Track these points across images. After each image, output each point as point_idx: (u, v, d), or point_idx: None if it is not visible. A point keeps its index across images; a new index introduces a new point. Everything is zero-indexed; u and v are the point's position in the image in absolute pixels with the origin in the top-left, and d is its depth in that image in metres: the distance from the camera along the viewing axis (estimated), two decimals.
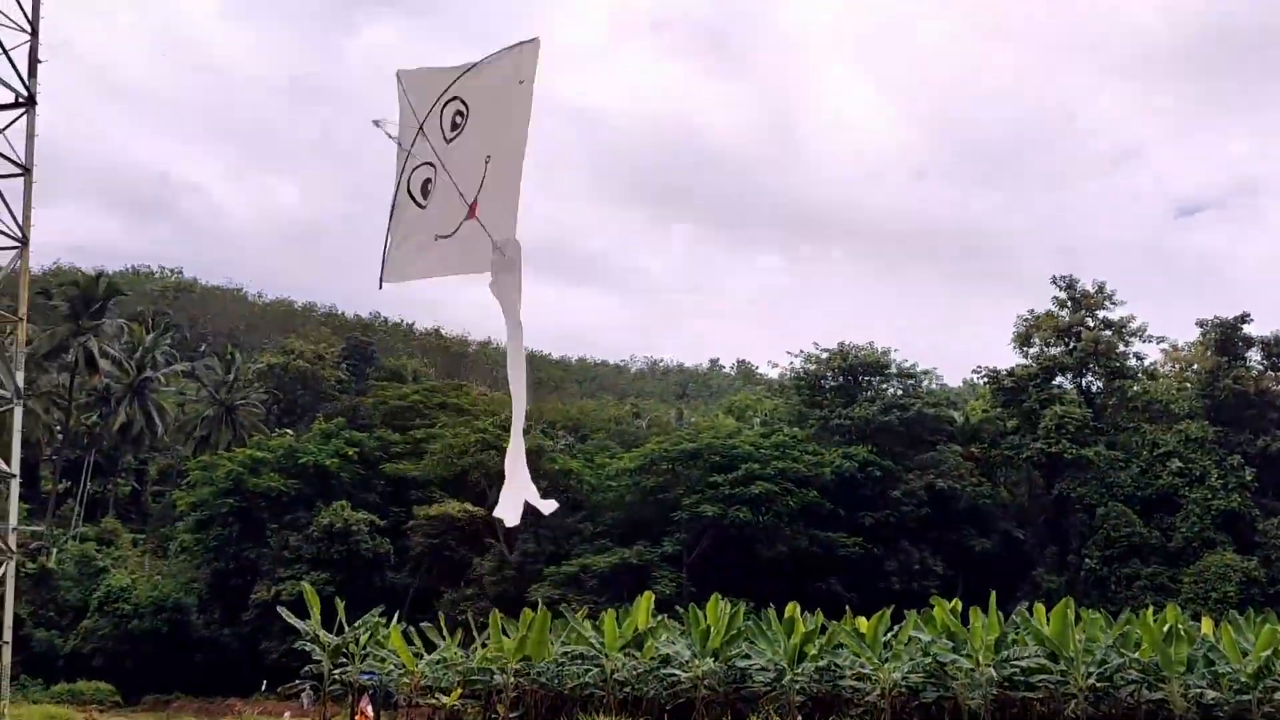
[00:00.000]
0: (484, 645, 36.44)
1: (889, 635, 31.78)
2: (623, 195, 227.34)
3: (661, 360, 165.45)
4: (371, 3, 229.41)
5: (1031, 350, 61.11)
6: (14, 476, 30.11)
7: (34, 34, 30.29)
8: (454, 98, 5.30)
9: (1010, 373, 59.87)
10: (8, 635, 29.08)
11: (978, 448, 60.91)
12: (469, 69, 5.31)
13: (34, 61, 30.55)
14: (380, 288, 5.52)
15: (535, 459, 55.63)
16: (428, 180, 5.31)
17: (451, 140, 5.31)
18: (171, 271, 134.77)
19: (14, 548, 29.45)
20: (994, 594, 32.76)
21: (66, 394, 70.61)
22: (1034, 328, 60.81)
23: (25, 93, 30.20)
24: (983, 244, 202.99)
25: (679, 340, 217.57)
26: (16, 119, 30.00)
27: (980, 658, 28.98)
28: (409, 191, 5.30)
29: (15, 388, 29.68)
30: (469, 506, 55.56)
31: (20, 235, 29.69)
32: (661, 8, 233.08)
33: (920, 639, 30.89)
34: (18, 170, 29.80)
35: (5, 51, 29.30)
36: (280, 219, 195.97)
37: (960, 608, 32.76)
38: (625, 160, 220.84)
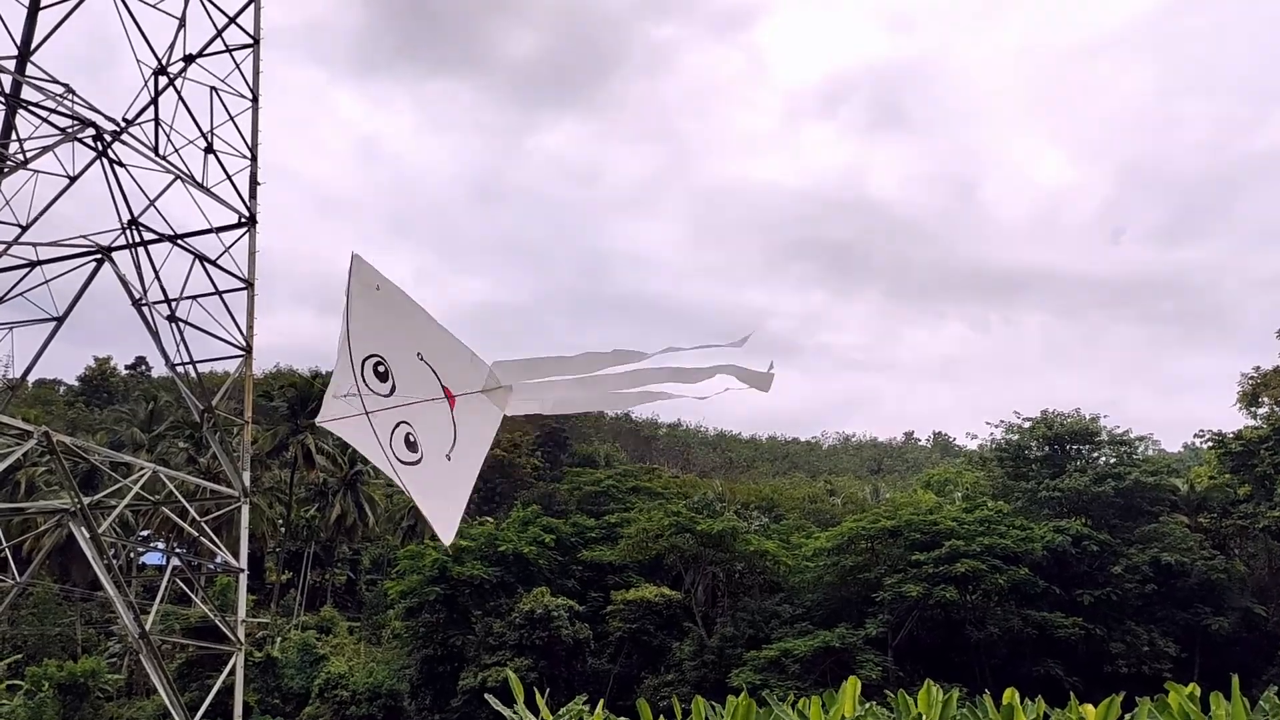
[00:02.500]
0: None
1: None
2: (804, 272, 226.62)
3: (853, 435, 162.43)
4: (554, 105, 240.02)
5: (1260, 410, 56.48)
6: (242, 570, 31.97)
7: (253, 159, 32.98)
8: (365, 358, 5.38)
9: (1238, 435, 55.42)
10: None
11: (1206, 518, 56.51)
12: (348, 335, 5.42)
13: (254, 184, 33.20)
14: (449, 544, 5.59)
15: (730, 540, 55.30)
16: (408, 435, 5.35)
17: (393, 389, 5.35)
18: None
19: (242, 639, 31.13)
20: (1235, 678, 29.96)
21: (287, 489, 75.12)
22: (1261, 385, 56.25)
23: (247, 213, 32.79)
24: (1193, 301, 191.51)
25: (870, 414, 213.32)
26: (240, 238, 32.54)
27: None
28: (401, 461, 5.32)
29: (242, 487, 31.70)
30: (665, 590, 55.44)
31: (245, 344, 31.96)
32: (832, 87, 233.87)
33: None
34: (241, 285, 32.21)
35: (229, 176, 31.95)
36: (470, 314, 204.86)
37: (1199, 693, 30.11)
38: (804, 237, 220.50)
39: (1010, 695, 31.48)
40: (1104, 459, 59.48)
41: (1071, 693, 35.76)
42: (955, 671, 45.94)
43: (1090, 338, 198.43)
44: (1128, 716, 31.94)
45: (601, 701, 42.47)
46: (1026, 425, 61.25)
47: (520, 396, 5.66)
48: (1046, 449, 60.60)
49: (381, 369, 5.46)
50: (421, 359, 5.47)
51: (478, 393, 5.56)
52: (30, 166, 27.83)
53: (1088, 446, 60.24)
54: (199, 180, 30.80)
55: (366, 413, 5.23)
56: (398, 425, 5.31)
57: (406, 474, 5.28)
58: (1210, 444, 58.81)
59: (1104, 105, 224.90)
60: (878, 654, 49.60)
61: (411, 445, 5.29)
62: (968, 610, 50.00)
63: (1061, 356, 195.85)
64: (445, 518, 5.35)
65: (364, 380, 5.35)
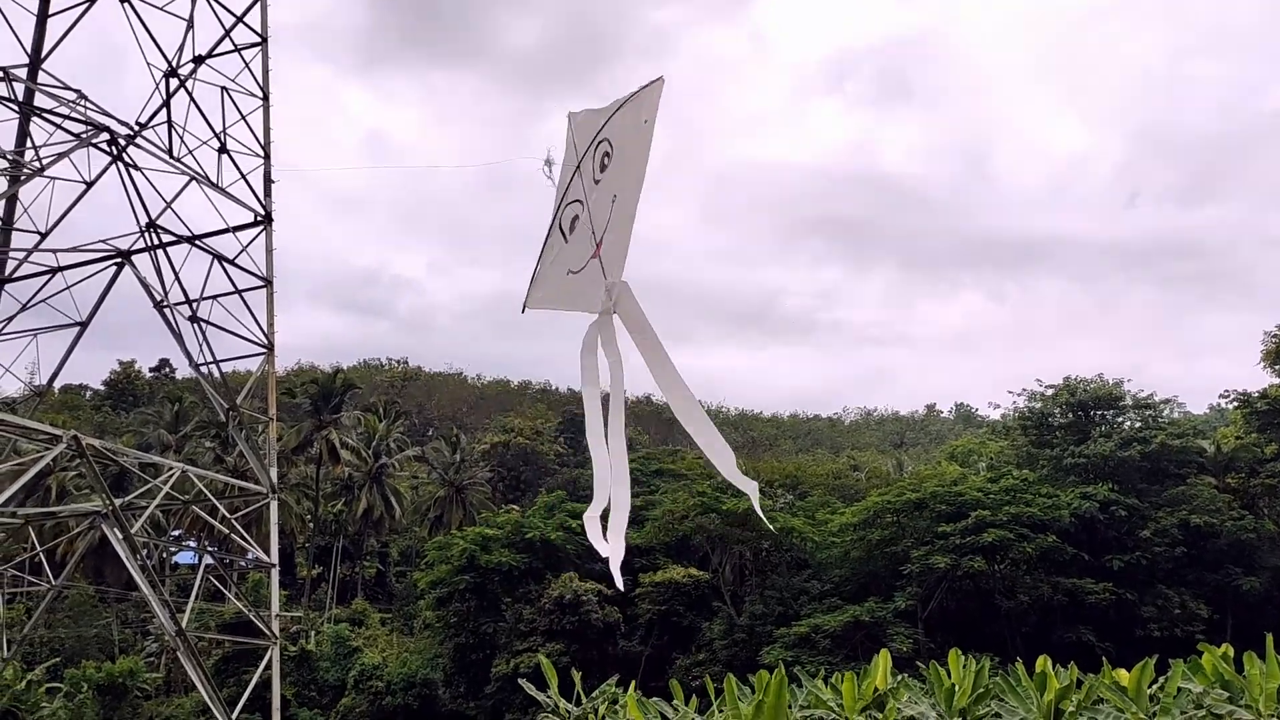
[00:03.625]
0: (719, 711, 35.99)
1: (1154, 687, 29.31)
2: (817, 249, 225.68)
3: (875, 410, 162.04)
4: (561, 93, 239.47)
5: None
6: (274, 565, 32.29)
7: (267, 158, 33.12)
8: (604, 139, 5.49)
9: (1263, 394, 54.96)
10: (276, 716, 30.94)
11: (1234, 478, 56.13)
12: (618, 109, 5.49)
13: (268, 182, 33.36)
14: (523, 312, 5.69)
15: (755, 518, 55.30)
16: (576, 217, 5.48)
17: (599, 181, 5.51)
18: (398, 362, 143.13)
19: (277, 633, 31.46)
20: (1270, 637, 29.79)
21: (314, 485, 75.65)
22: None
23: (263, 211, 32.95)
24: (1211, 262, 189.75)
25: (891, 388, 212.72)
26: (256, 236, 32.72)
27: (1261, 707, 26.25)
28: (559, 226, 5.45)
29: (270, 483, 31.98)
30: (693, 571, 55.60)
31: (266, 341, 32.18)
32: (837, 62, 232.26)
33: (1190, 690, 28.31)
34: (260, 283, 32.40)
35: (243, 175, 32.11)
36: (486, 304, 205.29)
37: (1232, 653, 29.98)
38: (816, 214, 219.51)
39: (1043, 662, 31.23)
40: (1128, 424, 59.13)
41: (1104, 658, 35.42)
42: (986, 641, 45.90)
43: (1109, 303, 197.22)
44: (1161, 679, 31.60)
45: (634, 683, 42.47)
46: (1049, 393, 60.94)
47: (604, 330, 5.82)
48: (1070, 416, 60.28)
49: (606, 163, 5.71)
50: (613, 202, 5.64)
51: (604, 280, 5.74)
52: (47, 173, 28.03)
53: (1112, 412, 59.89)
54: (214, 181, 30.96)
55: (579, 168, 5.48)
56: (577, 202, 5.48)
57: (554, 235, 5.52)
58: (1235, 404, 58.38)
59: (1114, 70, 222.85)
60: (908, 627, 49.60)
61: (573, 227, 5.50)
62: (996, 580, 49.91)
63: (1080, 323, 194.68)
64: (539, 289, 5.55)
65: (594, 149, 5.62)
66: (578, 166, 5.45)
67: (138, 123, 29.27)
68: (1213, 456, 58.13)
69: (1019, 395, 62.86)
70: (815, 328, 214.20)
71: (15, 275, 30.30)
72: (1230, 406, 61.27)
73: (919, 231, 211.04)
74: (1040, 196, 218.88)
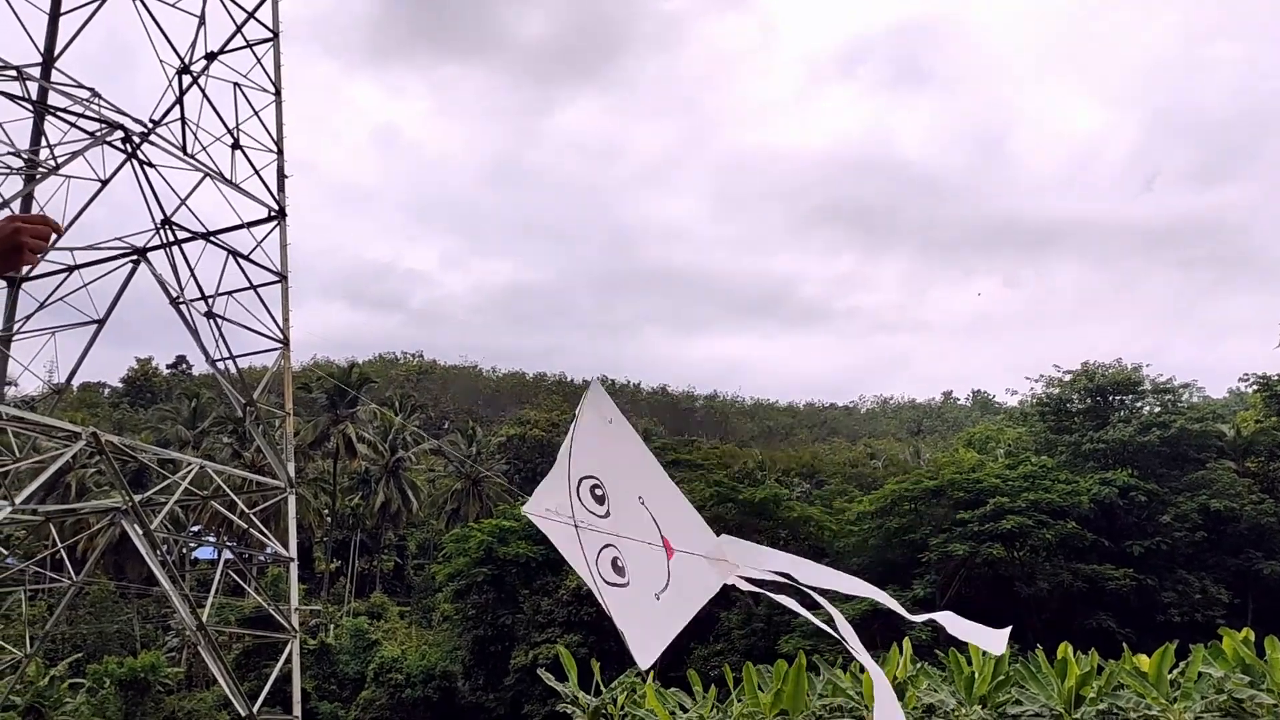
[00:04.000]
0: (739, 700, 35.98)
1: (1175, 672, 29.17)
2: (831, 236, 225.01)
3: (891, 397, 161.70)
4: (571, 83, 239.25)
5: None
6: (292, 560, 32.43)
7: (280, 153, 33.17)
8: (582, 478, 5.28)
9: None
10: (297, 709, 31.10)
11: (1254, 462, 55.75)
12: (570, 452, 5.24)
13: (281, 177, 33.42)
14: (647, 672, 5.51)
15: (772, 507, 55.27)
16: (615, 559, 5.19)
17: (608, 514, 5.26)
18: (413, 355, 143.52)
19: (296, 626, 31.60)
20: None
21: (331, 479, 75.99)
22: None
23: (276, 206, 33.02)
24: (1230, 244, 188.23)
25: (907, 375, 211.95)
26: (270, 231, 32.80)
27: None
28: (605, 580, 5.11)
29: (287, 477, 32.10)
30: None
31: (282, 337, 32.28)
32: (849, 48, 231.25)
33: (1211, 675, 28.16)
34: (275, 278, 32.49)
35: (257, 171, 32.18)
36: (499, 296, 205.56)
37: (1253, 638, 29.79)
38: (829, 201, 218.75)
39: (1064, 649, 31.07)
40: (1147, 408, 58.78)
41: (1124, 644, 35.23)
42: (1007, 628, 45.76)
43: (1126, 286, 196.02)
44: (1182, 664, 31.41)
45: (652, 673, 42.51)
46: (1067, 378, 60.63)
47: (743, 570, 5.63)
48: (1089, 401, 59.97)
49: (599, 493, 5.45)
50: (643, 504, 5.36)
51: (700, 555, 5.51)
52: (62, 172, 28.15)
53: (1130, 396, 59.55)
54: (227, 176, 31.02)
55: (576, 525, 5.22)
56: (605, 547, 5.28)
57: (609, 593, 5.27)
58: (1255, 387, 57.98)
59: (1130, 52, 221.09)
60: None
61: (619, 569, 5.27)
62: (1016, 567, 49.72)
63: (1098, 307, 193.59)
64: (646, 644, 5.28)
65: (578, 496, 5.38)
66: (575, 524, 5.10)
67: (151, 120, 29.34)
68: (1233, 440, 57.72)
69: (1036, 381, 62.67)
70: (830, 315, 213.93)
71: (32, 274, 30.46)
72: (1250, 390, 60.85)
73: (934, 217, 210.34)
74: (1056, 180, 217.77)
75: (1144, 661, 29.83)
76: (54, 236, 3.21)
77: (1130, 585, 48.92)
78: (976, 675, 31.10)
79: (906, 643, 35.95)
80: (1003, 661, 32.16)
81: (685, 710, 36.80)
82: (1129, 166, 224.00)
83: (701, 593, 5.36)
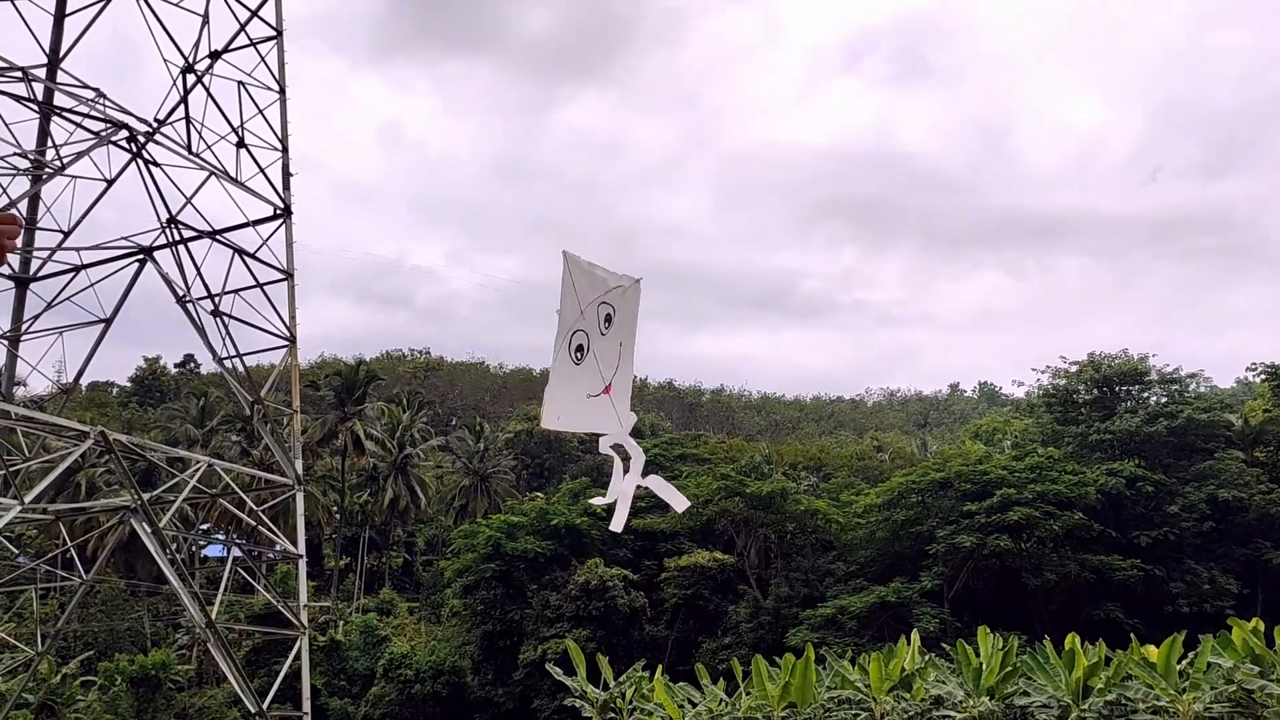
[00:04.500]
0: (747, 693, 36.03)
1: (1184, 663, 29.14)
2: (834, 231, 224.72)
3: (898, 391, 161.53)
4: (574, 80, 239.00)
5: None
6: (301, 557, 32.55)
7: (284, 151, 33.23)
8: (605, 303, 6.27)
9: None
10: (307, 706, 31.24)
11: (1262, 451, 55.63)
12: (614, 286, 6.28)
13: (286, 175, 33.48)
14: (543, 426, 6.41)
15: (780, 501, 55.33)
16: (581, 346, 6.14)
17: (605, 334, 6.30)
18: (420, 352, 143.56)
19: (305, 623, 31.71)
20: None
21: (339, 476, 76.14)
22: None
23: (282, 204, 33.08)
24: (1235, 235, 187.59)
25: (913, 369, 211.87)
26: (276, 229, 32.86)
27: None
28: (568, 349, 6.10)
29: (295, 475, 32.20)
30: (718, 555, 55.64)
31: (289, 334, 32.36)
32: (853, 42, 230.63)
33: (1220, 665, 28.14)
34: (281, 275, 32.55)
35: (262, 169, 32.24)
36: (504, 292, 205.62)
37: (1262, 628, 29.74)
38: (833, 195, 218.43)
39: (1071, 640, 31.04)
40: (1154, 399, 58.68)
41: (1132, 635, 35.13)
42: (1013, 620, 45.78)
43: (1131, 279, 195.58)
44: (1191, 655, 31.38)
45: (660, 667, 42.59)
46: (1073, 369, 60.56)
47: (620, 442, 6.55)
48: (1095, 392, 59.89)
49: (608, 314, 6.33)
50: (620, 348, 6.41)
51: (618, 416, 6.52)
52: (68, 172, 28.24)
53: (1137, 387, 59.45)
54: (233, 175, 31.09)
55: (583, 312, 6.14)
56: (578, 331, 6.10)
57: (561, 356, 6.10)
58: (1263, 376, 57.86)
59: (1134, 44, 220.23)
60: (934, 606, 49.52)
61: (580, 351, 6.13)
62: (1023, 558, 49.72)
63: (1103, 300, 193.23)
64: (554, 411, 6.15)
65: (597, 306, 6.25)
66: (580, 310, 6.11)
67: (156, 119, 29.42)
68: (1240, 430, 57.60)
69: (1043, 373, 62.64)
70: (835, 309, 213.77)
71: (40, 274, 30.57)
72: (1258, 379, 60.71)
73: (938, 211, 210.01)
74: (1061, 174, 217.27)
75: (1152, 652, 29.80)
76: (20, 231, 3.27)
77: (1138, 576, 48.88)
78: (984, 667, 31.11)
79: (915, 635, 36.01)
80: (1010, 652, 32.18)
81: (694, 704, 36.88)
82: (1133, 159, 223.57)
83: (599, 426, 6.39)
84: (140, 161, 28.96)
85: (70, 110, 27.83)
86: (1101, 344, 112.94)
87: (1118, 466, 52.96)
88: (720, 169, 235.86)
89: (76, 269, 31.02)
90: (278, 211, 32.89)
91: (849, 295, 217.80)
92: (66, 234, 30.13)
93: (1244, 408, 62.24)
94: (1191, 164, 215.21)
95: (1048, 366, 62.27)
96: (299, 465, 32.79)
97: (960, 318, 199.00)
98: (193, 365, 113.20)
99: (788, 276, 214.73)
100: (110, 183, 30.57)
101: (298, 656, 30.91)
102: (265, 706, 29.09)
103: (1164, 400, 57.83)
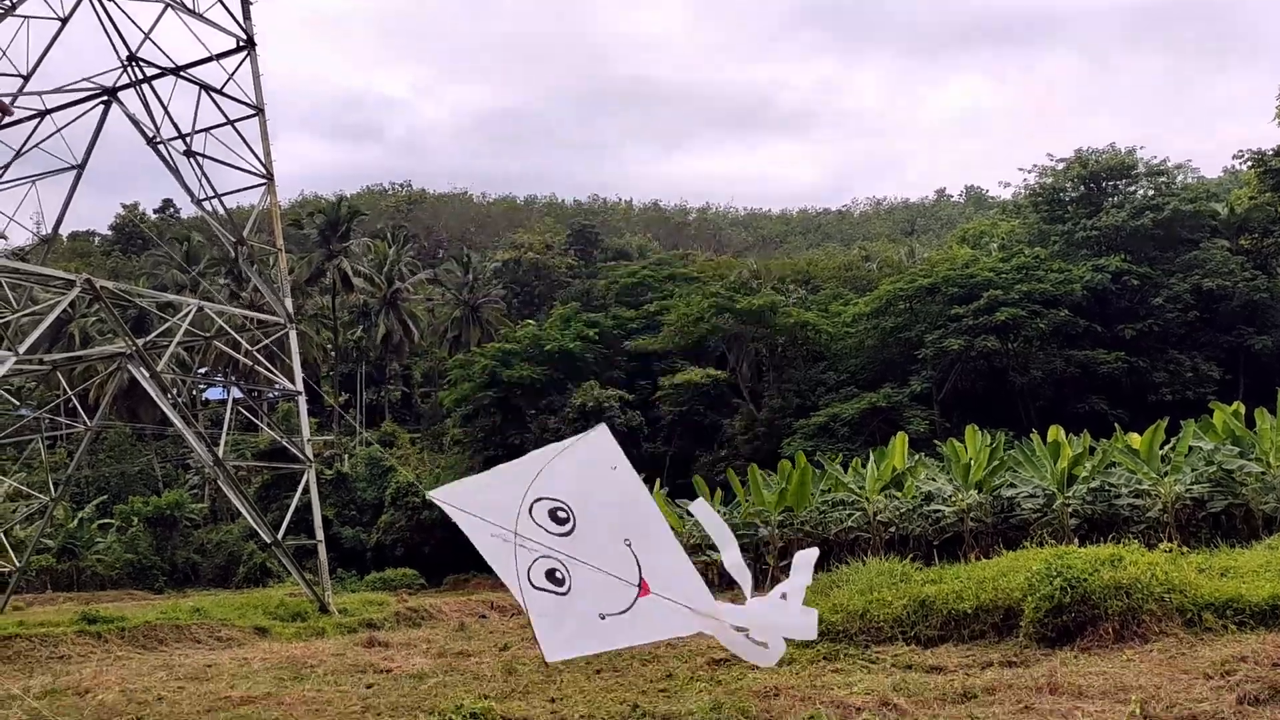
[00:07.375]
0: (745, 500, 37.32)
1: (1166, 448, 30.07)
2: (812, 40, 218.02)
3: (884, 199, 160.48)
4: None
5: None
6: (299, 393, 33.01)
7: None
8: (540, 498, 5.47)
9: (1278, 152, 53.91)
10: (320, 534, 32.33)
11: (1247, 239, 55.72)
12: (537, 475, 5.48)
13: (246, 4, 32.20)
14: (547, 662, 5.52)
15: (769, 315, 55.78)
16: (553, 570, 5.36)
17: (569, 533, 5.41)
18: (402, 186, 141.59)
19: (311, 456, 32.45)
20: None
21: (331, 314, 76.35)
22: None
23: (244, 35, 31.93)
24: (1223, 21, 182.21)
25: (899, 176, 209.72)
26: (241, 63, 31.83)
27: (1271, 460, 27.01)
28: (532, 584, 5.33)
29: (286, 312, 32.29)
30: (711, 371, 56.48)
31: (265, 171, 31.81)
32: None
33: (1201, 448, 29.04)
34: (251, 111, 31.73)
35: None
36: (475, 123, 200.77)
37: (1243, 411, 30.55)
38: (809, 3, 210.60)
39: (1054, 432, 31.86)
40: (1141, 192, 58.33)
41: (1117, 425, 35.92)
42: (1001, 418, 46.89)
43: (1114, 73, 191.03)
44: (1174, 440, 32.23)
45: (659, 481, 43.90)
46: (1060, 167, 59.96)
47: (730, 620, 5.50)
48: (1082, 189, 59.49)
49: (562, 515, 5.44)
50: (628, 545, 5.45)
51: (683, 605, 5.46)
52: (19, 12, 27.12)
53: (1124, 181, 59.01)
54: (189, 6, 29.91)
55: (516, 534, 5.33)
56: (541, 558, 5.33)
57: (531, 594, 5.36)
58: (1250, 163, 57.32)
59: None
60: (924, 409, 50.68)
61: (555, 579, 5.31)
62: (1010, 357, 50.55)
63: (1088, 99, 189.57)
64: (557, 642, 5.34)
65: (529, 512, 5.41)
66: (515, 533, 5.30)
67: None
68: (1226, 219, 57.53)
69: (1030, 172, 62.03)
70: (816, 121, 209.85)
71: (3, 124, 29.76)
72: (1245, 167, 60.23)
73: (914, 14, 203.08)
74: None
75: (1135, 439, 30.66)
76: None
77: (1122, 368, 49.85)
78: (973, 463, 32.11)
79: (904, 436, 36.99)
80: (998, 448, 33.15)
81: (692, 515, 38.14)
82: None
83: (662, 631, 5.55)
84: None
85: None
86: (1089, 141, 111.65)
87: (1103, 262, 53.20)
88: None
89: (41, 114, 30.22)
90: (240, 43, 31.80)
91: (830, 106, 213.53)
92: (26, 78, 29.18)
93: (1230, 196, 62.00)
94: None
95: (1034, 166, 61.67)
96: (289, 303, 32.84)
97: (943, 124, 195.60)
98: (172, 210, 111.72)
99: (765, 89, 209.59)
100: (65, 21, 29.42)
101: (306, 490, 31.77)
102: (280, 537, 30.12)
103: (1150, 193, 57.53)
